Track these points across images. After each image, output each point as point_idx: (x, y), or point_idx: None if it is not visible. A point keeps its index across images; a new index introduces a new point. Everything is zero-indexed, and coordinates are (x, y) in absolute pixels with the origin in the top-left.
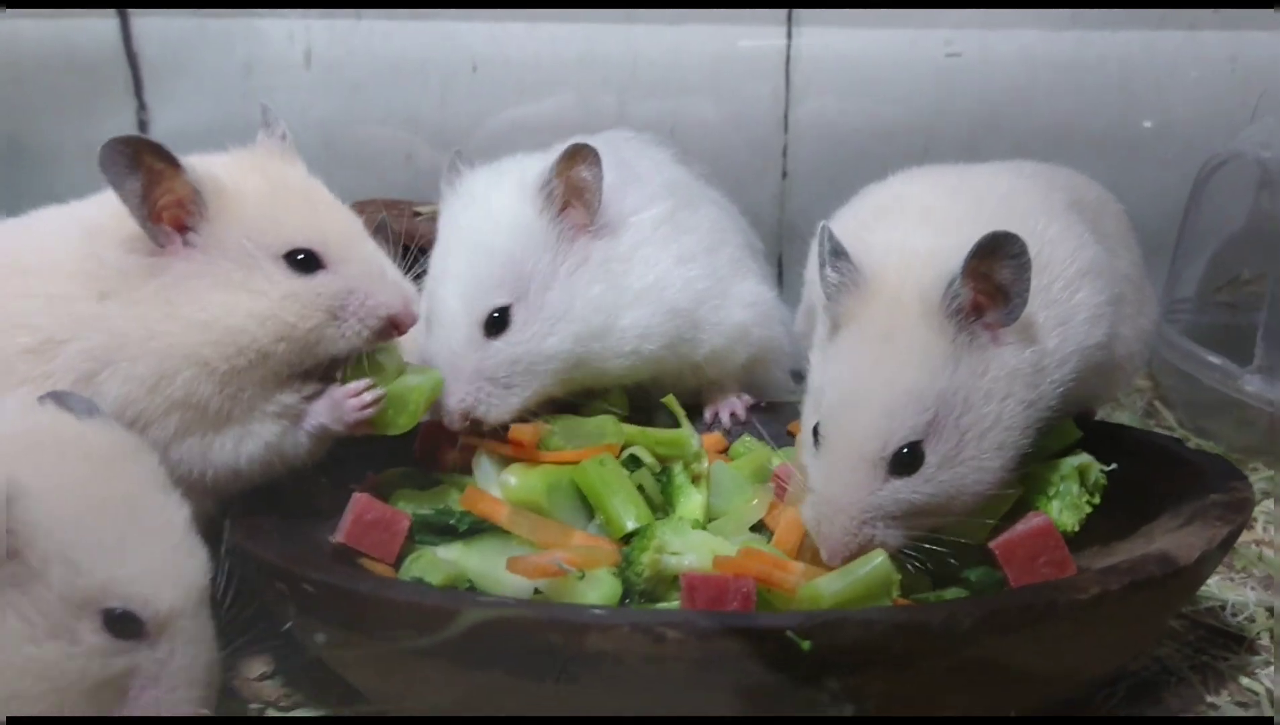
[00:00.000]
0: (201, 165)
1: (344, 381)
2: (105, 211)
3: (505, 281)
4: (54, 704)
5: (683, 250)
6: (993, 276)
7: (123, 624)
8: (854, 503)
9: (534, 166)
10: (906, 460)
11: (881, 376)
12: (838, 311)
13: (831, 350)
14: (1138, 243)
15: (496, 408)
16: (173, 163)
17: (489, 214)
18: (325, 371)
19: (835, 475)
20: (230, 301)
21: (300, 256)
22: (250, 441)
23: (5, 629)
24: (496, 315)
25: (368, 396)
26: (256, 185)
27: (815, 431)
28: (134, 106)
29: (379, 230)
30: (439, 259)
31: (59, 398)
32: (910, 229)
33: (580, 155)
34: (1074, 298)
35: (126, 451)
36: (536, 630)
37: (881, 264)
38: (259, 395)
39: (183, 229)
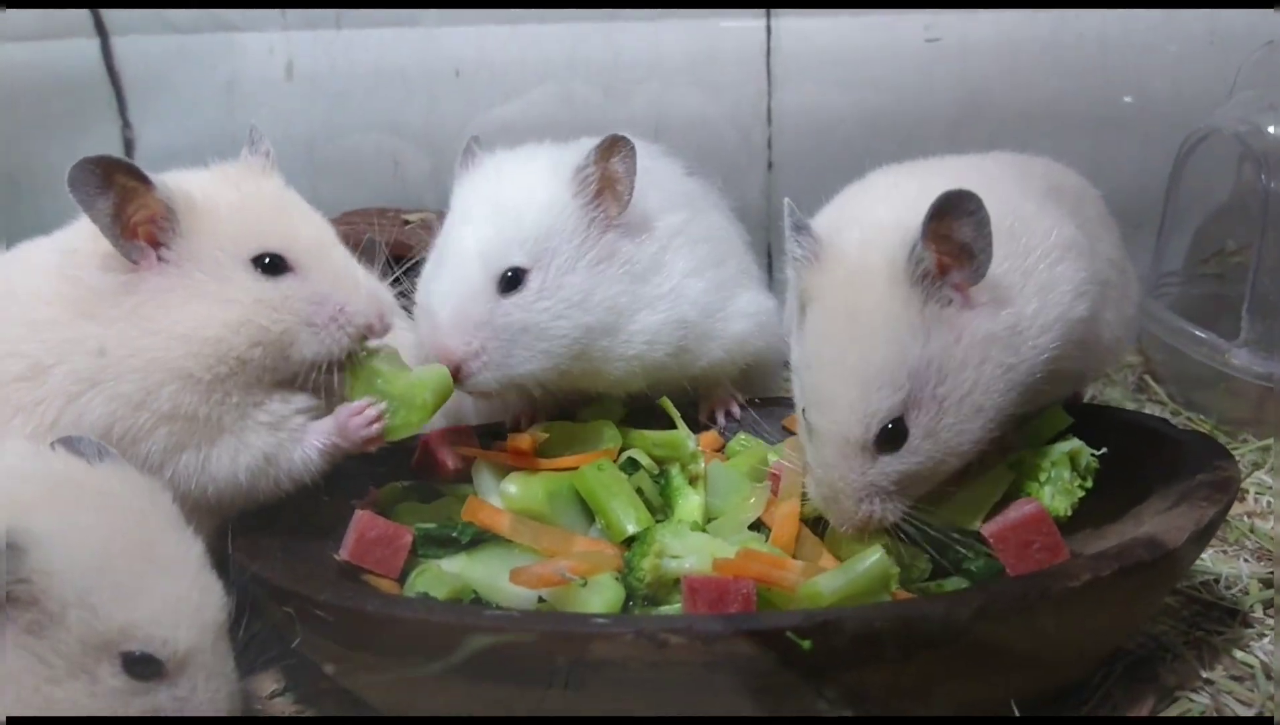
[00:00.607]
0: (174, 181)
1: (348, 398)
2: (80, 235)
3: (528, 244)
4: None
5: (696, 262)
6: (953, 236)
7: (142, 666)
8: (849, 485)
9: (564, 153)
10: (891, 437)
11: (854, 359)
12: (803, 287)
13: (802, 329)
14: (1117, 227)
15: (492, 369)
16: (144, 180)
17: (521, 185)
18: (308, 380)
19: (828, 459)
20: (205, 312)
21: (266, 260)
22: (246, 453)
23: (25, 671)
24: (510, 273)
25: (371, 412)
26: (228, 197)
27: (805, 414)
28: (119, 126)
29: (366, 248)
30: (456, 219)
31: (69, 443)
32: (875, 206)
33: (619, 146)
34: (1055, 269)
35: (139, 493)
36: (542, 641)
37: (843, 237)
38: (247, 401)
39: (156, 244)
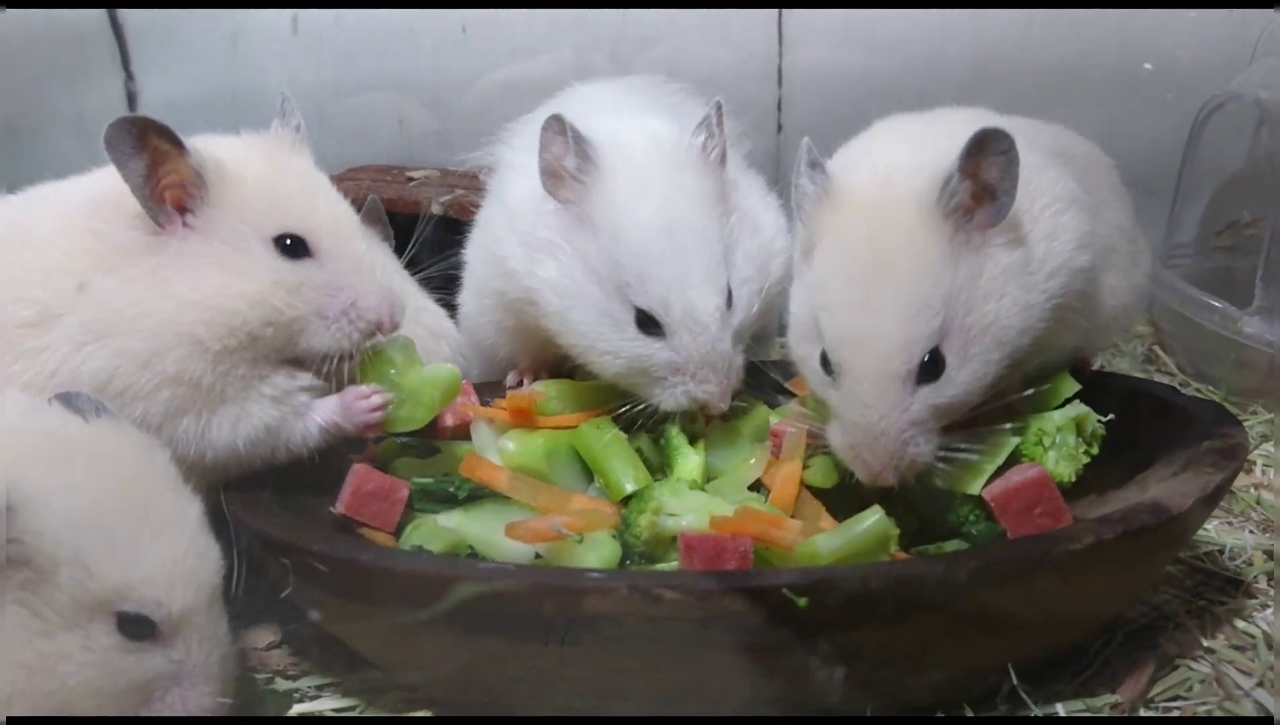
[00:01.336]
0: (206, 148)
1: (358, 381)
2: (107, 187)
3: (721, 277)
4: (72, 706)
5: (758, 188)
6: (981, 175)
7: (136, 626)
8: (893, 425)
9: (665, 134)
10: (930, 368)
11: (889, 290)
12: (812, 225)
13: (813, 272)
14: (1129, 197)
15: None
16: (178, 144)
17: (683, 212)
18: (321, 364)
19: (865, 400)
20: (224, 283)
21: (288, 241)
22: (247, 423)
23: (18, 626)
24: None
25: (376, 399)
26: (258, 170)
27: (824, 361)
28: (122, 78)
29: (369, 210)
30: (642, 258)
31: (66, 399)
32: (888, 148)
33: (724, 113)
34: (1059, 219)
35: (137, 451)
36: (535, 595)
37: (858, 175)
38: (252, 375)
39: (183, 210)
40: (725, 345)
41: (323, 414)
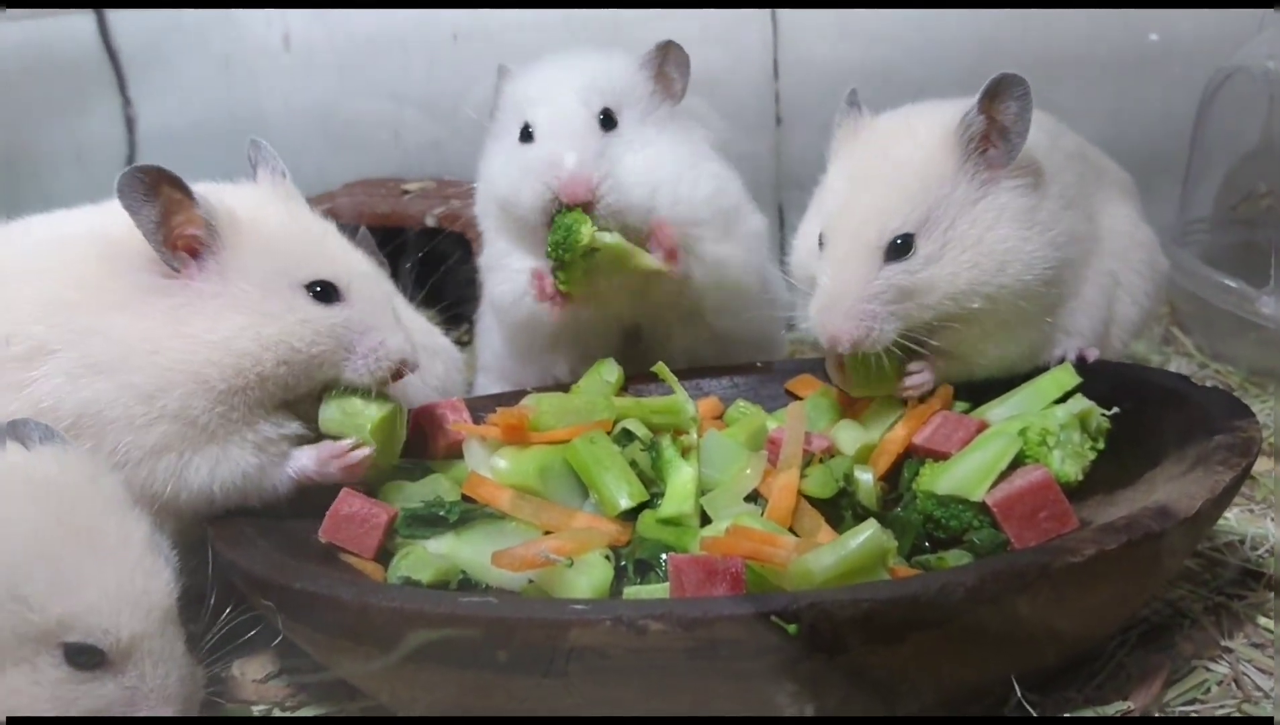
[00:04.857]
0: (215, 197)
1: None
2: (122, 225)
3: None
4: None
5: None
6: (997, 116)
7: (84, 656)
8: (855, 289)
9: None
10: (899, 247)
11: (884, 176)
12: (839, 145)
13: (830, 175)
14: (1137, 199)
15: None
16: (188, 194)
17: (573, 60)
18: (306, 404)
19: (838, 265)
20: (242, 323)
21: (319, 288)
22: (225, 467)
23: None
24: None
25: (355, 456)
26: (278, 218)
27: (820, 238)
28: (120, 104)
29: (361, 242)
30: (529, 79)
31: (12, 428)
32: (910, 109)
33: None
34: (1081, 200)
35: (80, 476)
36: (517, 628)
37: (882, 118)
38: (245, 418)
39: (197, 255)
40: (584, 150)
41: (295, 464)
